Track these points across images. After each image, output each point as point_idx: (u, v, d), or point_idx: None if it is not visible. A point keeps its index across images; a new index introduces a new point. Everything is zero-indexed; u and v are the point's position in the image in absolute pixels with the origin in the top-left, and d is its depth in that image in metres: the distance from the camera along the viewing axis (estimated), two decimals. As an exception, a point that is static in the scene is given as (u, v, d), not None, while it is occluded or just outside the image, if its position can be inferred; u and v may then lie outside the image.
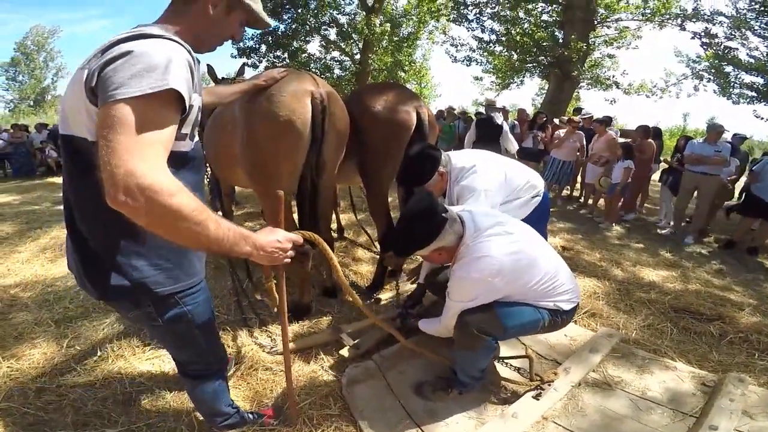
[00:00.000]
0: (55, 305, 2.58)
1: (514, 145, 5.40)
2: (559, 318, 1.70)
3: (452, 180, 2.13)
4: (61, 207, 1.09)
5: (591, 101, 35.89)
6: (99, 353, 2.07)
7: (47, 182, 7.74)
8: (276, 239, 1.04)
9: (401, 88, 2.60)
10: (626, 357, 2.21)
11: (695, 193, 4.93)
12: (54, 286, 2.87)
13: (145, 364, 2.00)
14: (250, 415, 1.61)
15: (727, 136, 5.59)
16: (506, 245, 1.58)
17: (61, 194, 1.03)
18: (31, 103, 29.78)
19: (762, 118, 10.19)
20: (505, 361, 1.89)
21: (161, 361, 2.03)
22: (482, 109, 7.18)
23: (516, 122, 6.92)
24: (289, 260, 1.09)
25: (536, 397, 1.76)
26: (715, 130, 4.65)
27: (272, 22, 1.34)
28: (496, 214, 1.76)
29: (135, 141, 0.77)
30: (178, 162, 0.97)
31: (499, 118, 5.28)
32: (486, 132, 5.24)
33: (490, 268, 1.53)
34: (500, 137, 5.19)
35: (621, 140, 5.90)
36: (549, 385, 1.80)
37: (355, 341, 2.09)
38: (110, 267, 1.00)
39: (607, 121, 5.79)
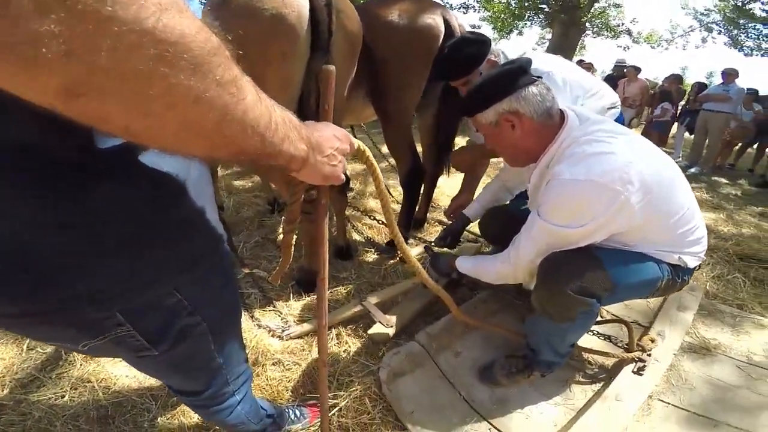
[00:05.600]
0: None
1: None
2: (679, 279, 1.18)
3: None
4: None
5: (596, 50, 34.98)
6: (65, 356, 1.62)
7: None
8: (333, 135, 0.59)
9: None
10: (713, 315, 1.85)
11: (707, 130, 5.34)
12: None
13: (121, 367, 1.54)
14: (293, 413, 1.23)
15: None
16: (635, 149, 1.03)
17: None
18: None
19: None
20: (591, 328, 1.45)
21: (142, 363, 1.57)
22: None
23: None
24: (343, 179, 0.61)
25: (638, 372, 1.36)
26: (728, 73, 5.19)
27: None
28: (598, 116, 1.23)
29: None
30: None
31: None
32: None
33: (623, 170, 0.96)
34: None
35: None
36: (649, 355, 1.40)
37: (388, 316, 1.64)
38: (48, 258, 0.47)
39: (639, 68, 6.00)
